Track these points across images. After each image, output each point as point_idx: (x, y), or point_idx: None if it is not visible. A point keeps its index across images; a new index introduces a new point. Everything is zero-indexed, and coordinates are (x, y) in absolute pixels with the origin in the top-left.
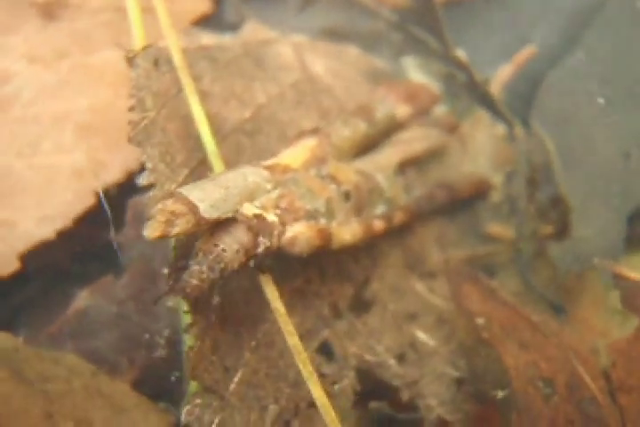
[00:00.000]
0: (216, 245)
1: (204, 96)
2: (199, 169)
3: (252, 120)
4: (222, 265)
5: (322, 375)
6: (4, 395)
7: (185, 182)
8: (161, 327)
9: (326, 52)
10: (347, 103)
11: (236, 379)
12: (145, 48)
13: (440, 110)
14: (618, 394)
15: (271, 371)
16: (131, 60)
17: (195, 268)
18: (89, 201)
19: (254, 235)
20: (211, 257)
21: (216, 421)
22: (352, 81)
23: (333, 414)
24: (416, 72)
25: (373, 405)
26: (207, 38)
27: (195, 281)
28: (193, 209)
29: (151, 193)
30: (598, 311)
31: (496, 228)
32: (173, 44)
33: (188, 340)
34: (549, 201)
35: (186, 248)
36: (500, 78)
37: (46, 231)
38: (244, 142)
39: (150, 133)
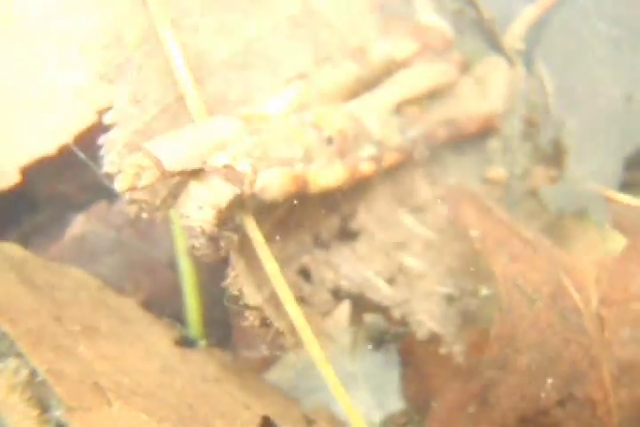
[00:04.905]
0: (181, 216)
1: (193, 30)
2: (175, 106)
3: (241, 54)
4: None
5: (302, 296)
6: (14, 295)
7: (153, 121)
8: (162, 252)
9: None
10: (348, 38)
11: None
12: None
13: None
14: (600, 306)
15: None
16: None
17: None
18: (90, 119)
19: (223, 184)
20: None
21: None
22: (357, 15)
23: (310, 333)
24: (426, 10)
25: (369, 318)
26: None
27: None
28: (157, 163)
29: (109, 134)
30: (590, 251)
31: (494, 171)
32: None
33: None
34: (548, 143)
35: None
36: (524, 20)
37: (47, 146)
38: (233, 77)
39: (124, 71)
